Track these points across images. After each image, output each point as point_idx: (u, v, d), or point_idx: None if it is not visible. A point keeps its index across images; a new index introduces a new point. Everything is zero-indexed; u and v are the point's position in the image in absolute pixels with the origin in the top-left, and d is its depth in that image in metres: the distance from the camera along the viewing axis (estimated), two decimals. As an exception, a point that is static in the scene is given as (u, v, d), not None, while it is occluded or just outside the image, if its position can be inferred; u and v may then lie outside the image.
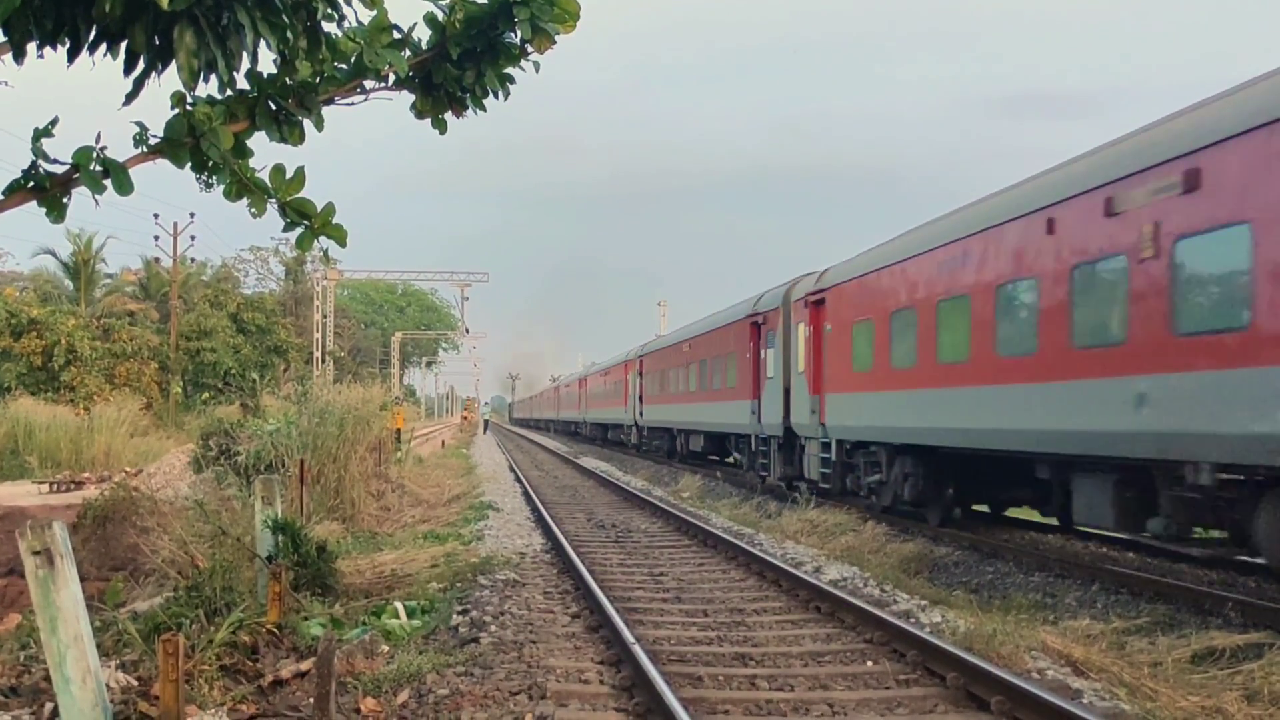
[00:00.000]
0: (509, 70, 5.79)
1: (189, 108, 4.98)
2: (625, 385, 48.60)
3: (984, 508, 19.00)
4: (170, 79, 4.60)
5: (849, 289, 20.26)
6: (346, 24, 5.29)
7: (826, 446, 21.12)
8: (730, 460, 32.74)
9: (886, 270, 18.54)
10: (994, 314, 14.53)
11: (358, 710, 7.47)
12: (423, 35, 5.64)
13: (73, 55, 4.50)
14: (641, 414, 44.40)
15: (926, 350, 16.67)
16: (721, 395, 29.78)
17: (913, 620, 10.48)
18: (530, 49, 5.70)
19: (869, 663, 9.07)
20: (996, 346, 14.47)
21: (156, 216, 49.95)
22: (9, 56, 4.50)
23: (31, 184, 4.75)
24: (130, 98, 4.65)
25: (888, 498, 18.70)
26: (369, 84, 5.58)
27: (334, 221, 5.38)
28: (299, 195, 5.31)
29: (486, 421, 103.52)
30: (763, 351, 25.84)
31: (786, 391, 23.63)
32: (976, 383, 14.97)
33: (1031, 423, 13.55)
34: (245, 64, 4.78)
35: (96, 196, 4.74)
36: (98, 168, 4.69)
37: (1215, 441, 10.32)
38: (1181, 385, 10.78)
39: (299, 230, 5.37)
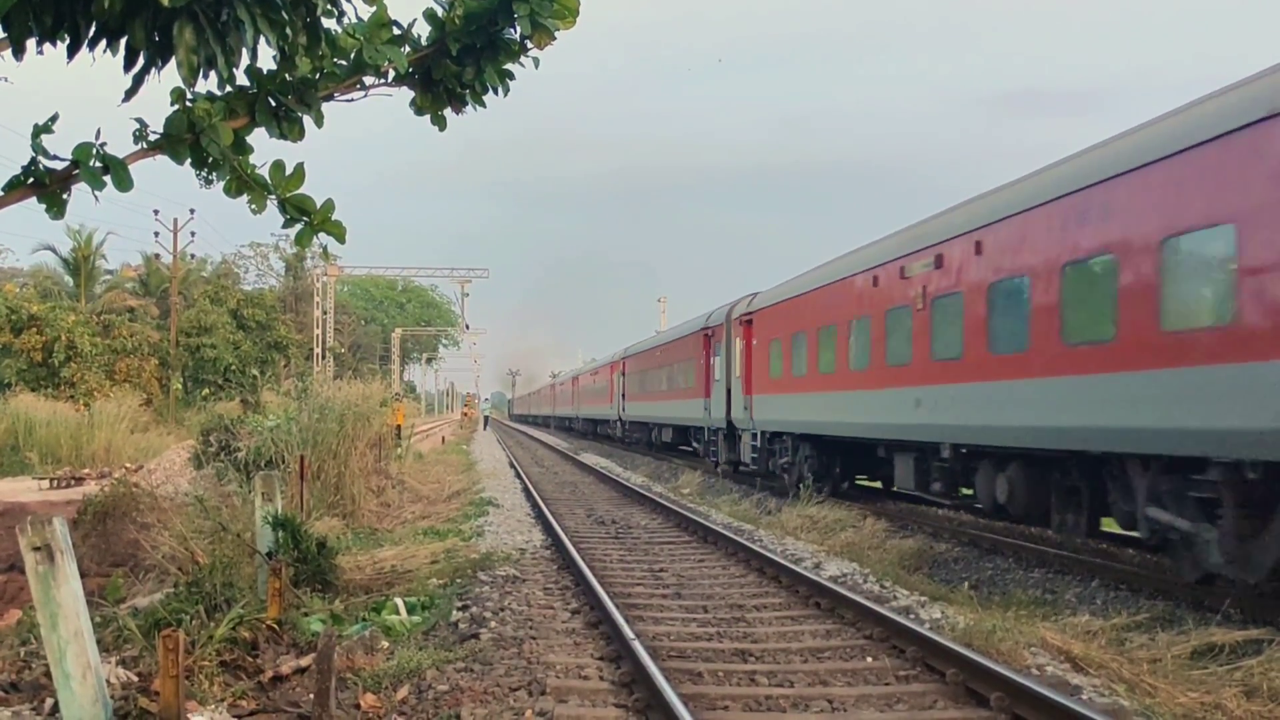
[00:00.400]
0: (509, 66, 5.78)
1: (189, 104, 4.97)
2: (611, 384, 53.45)
3: (875, 483, 23.92)
4: (170, 75, 4.60)
5: (767, 313, 26.07)
6: (346, 20, 5.29)
7: (756, 436, 26.65)
8: (691, 449, 38.48)
9: (789, 301, 24.29)
10: (848, 339, 20.15)
11: (357, 706, 7.48)
12: (422, 31, 5.64)
13: (72, 51, 4.50)
14: (624, 410, 49.22)
15: (812, 363, 22.19)
16: (683, 394, 35.08)
17: (912, 616, 10.49)
18: (530, 45, 5.70)
19: (869, 659, 9.07)
20: (850, 363, 20.03)
21: (156, 213, 49.83)
22: (9, 53, 4.50)
23: (31, 180, 4.75)
24: (130, 94, 4.65)
25: (795, 475, 23.59)
26: (369, 80, 5.58)
27: (333, 218, 5.38)
28: (299, 191, 5.31)
29: (486, 418, 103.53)
30: (712, 359, 31.35)
31: (728, 392, 29.10)
32: (840, 389, 20.62)
33: (871, 418, 19.06)
34: (245, 60, 4.78)
35: (96, 193, 4.74)
36: (97, 164, 4.69)
37: (955, 430, 15.72)
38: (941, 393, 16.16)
39: (299, 226, 5.37)
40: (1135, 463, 11.86)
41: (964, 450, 15.77)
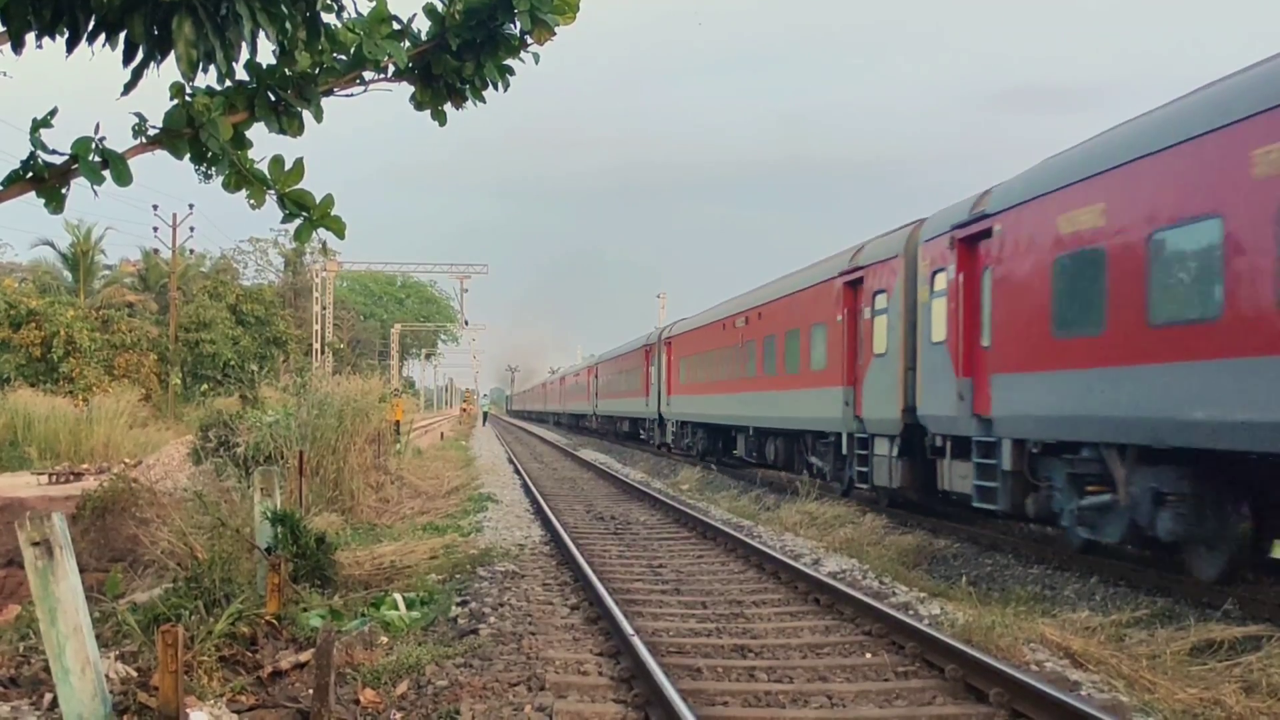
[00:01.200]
0: (509, 62, 5.78)
1: (188, 99, 4.97)
2: (588, 385, 58.59)
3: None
4: (169, 70, 4.59)
5: (679, 338, 38.41)
6: (346, 15, 5.28)
7: (674, 424, 39.27)
8: (641, 436, 47.60)
9: (690, 332, 36.20)
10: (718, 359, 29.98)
11: (357, 701, 7.48)
12: (422, 26, 5.63)
13: (71, 45, 4.49)
14: (598, 406, 52.01)
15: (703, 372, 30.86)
16: (634, 394, 40.41)
17: (911, 612, 10.50)
18: (530, 40, 5.69)
19: (868, 655, 9.08)
20: (720, 374, 30.63)
21: (155, 208, 50.05)
22: (7, 47, 4.49)
23: (30, 175, 4.74)
24: (129, 88, 4.64)
25: (696, 450, 33.86)
26: (368, 75, 5.57)
27: (333, 213, 5.37)
28: (298, 187, 5.30)
29: (486, 414, 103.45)
30: (650, 368, 41.96)
31: (659, 392, 39.83)
32: (716, 392, 30.22)
33: (745, 412, 27.95)
34: (244, 55, 4.77)
35: (95, 187, 4.73)
36: (96, 158, 4.68)
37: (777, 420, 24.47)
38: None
39: (298, 222, 5.36)
40: None
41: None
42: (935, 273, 16.81)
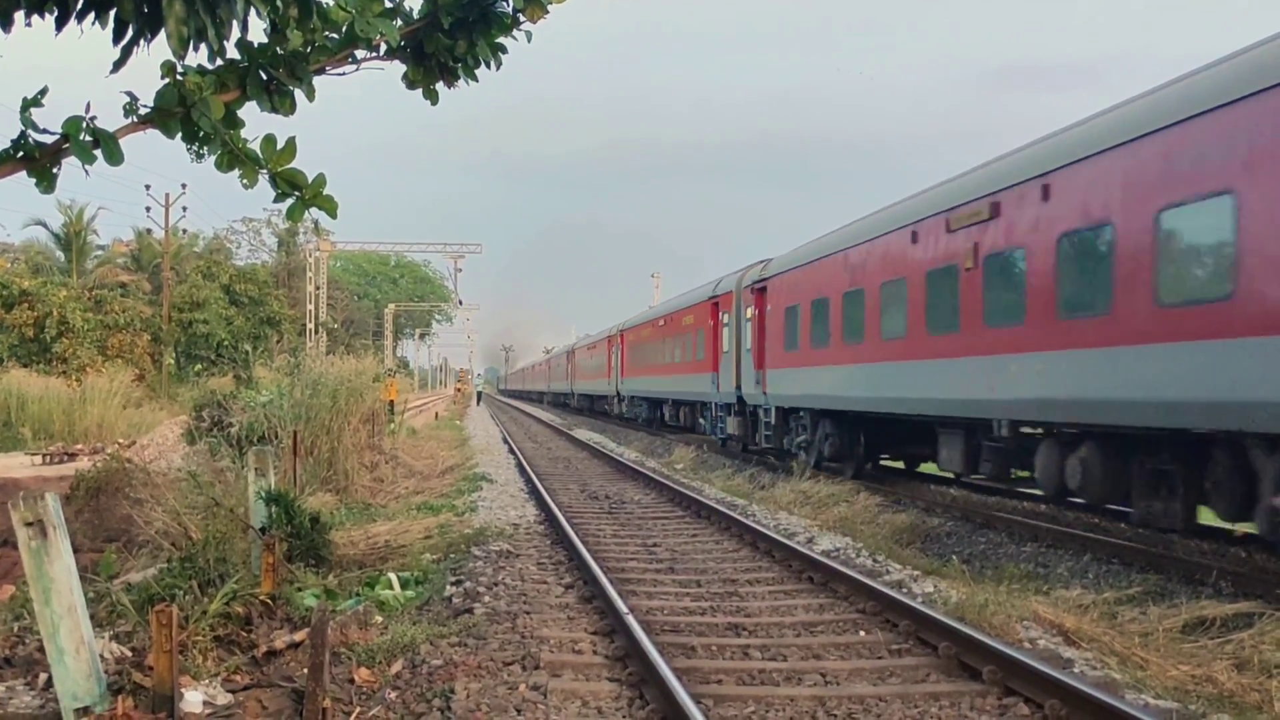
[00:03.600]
0: (501, 40, 5.75)
1: (179, 77, 4.94)
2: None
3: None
4: (160, 48, 4.56)
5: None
6: (337, -7, 5.25)
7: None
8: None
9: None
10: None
11: (351, 680, 7.49)
12: (414, 4, 5.60)
13: (61, 23, 4.46)
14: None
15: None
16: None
17: (905, 590, 10.53)
18: (523, 18, 5.67)
19: (861, 633, 9.11)
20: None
21: (148, 188, 49.52)
22: (-3, 25, 4.45)
23: (21, 154, 4.72)
24: (118, 65, 4.61)
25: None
26: (360, 54, 5.54)
27: (325, 192, 5.35)
28: (290, 166, 5.28)
29: (480, 393, 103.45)
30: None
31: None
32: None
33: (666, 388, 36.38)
34: (235, 33, 4.75)
35: (87, 167, 4.71)
36: (88, 138, 4.65)
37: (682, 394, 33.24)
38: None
39: (290, 201, 5.35)
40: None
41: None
42: (746, 306, 27.15)
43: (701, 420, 33.63)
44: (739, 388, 27.38)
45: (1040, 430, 14.20)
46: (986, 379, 14.44)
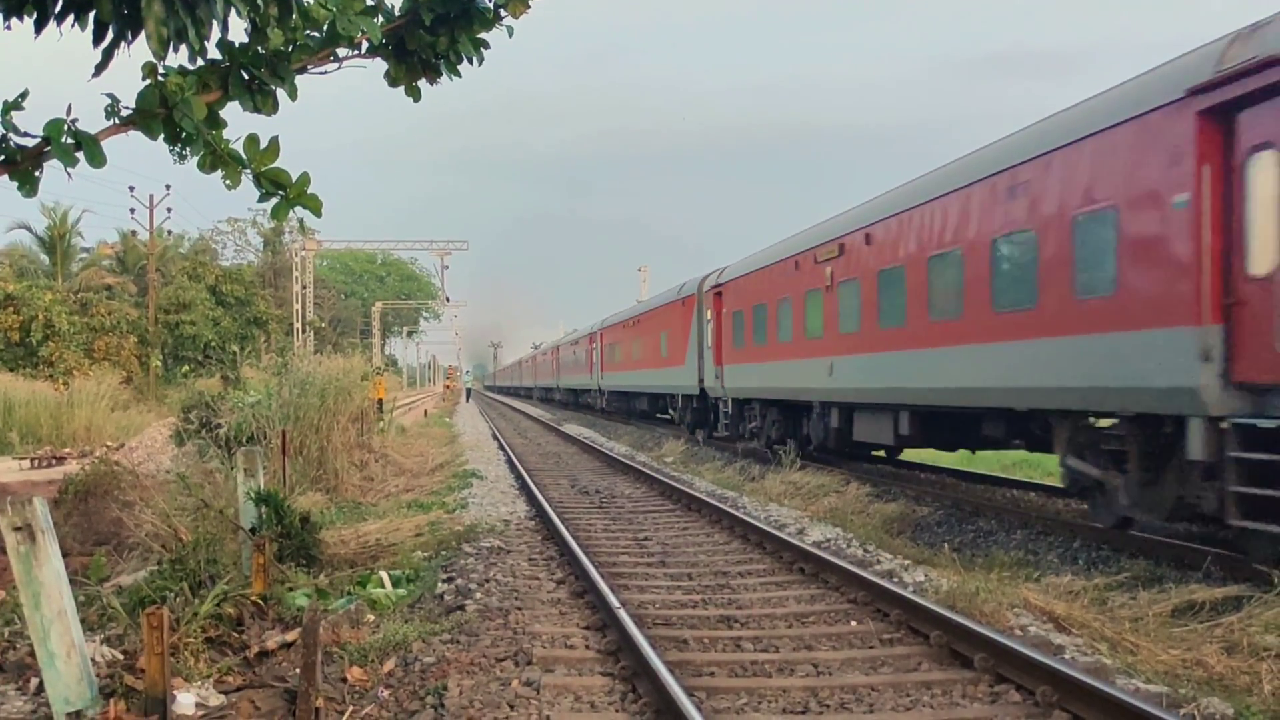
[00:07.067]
0: (483, 35, 5.73)
1: (161, 78, 4.92)
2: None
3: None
4: (140, 49, 4.54)
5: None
6: (317, -9, 5.23)
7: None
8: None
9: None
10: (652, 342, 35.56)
11: (344, 679, 7.49)
12: (395, 1, 5.58)
13: (40, 26, 4.43)
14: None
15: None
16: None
17: (896, 580, 10.55)
18: (504, 13, 5.65)
19: (853, 623, 9.14)
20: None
21: (132, 189, 49.33)
22: (-24, 28, 4.43)
23: (2, 158, 4.70)
24: (100, 69, 4.59)
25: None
26: (342, 52, 5.52)
27: (309, 191, 5.33)
28: (274, 165, 5.26)
29: (469, 390, 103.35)
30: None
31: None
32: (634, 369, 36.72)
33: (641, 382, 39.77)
34: (216, 33, 4.72)
35: (69, 170, 4.68)
36: (69, 140, 4.62)
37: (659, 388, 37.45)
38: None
39: (274, 200, 5.33)
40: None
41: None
42: (706, 308, 30.18)
43: (671, 411, 37.66)
44: (702, 381, 30.97)
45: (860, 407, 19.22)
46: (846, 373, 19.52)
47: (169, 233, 57.48)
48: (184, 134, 4.98)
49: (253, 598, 8.89)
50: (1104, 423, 12.52)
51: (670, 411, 37.75)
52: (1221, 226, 10.00)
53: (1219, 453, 9.97)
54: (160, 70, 4.89)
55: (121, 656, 7.48)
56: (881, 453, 23.22)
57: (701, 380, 30.91)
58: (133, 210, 51.07)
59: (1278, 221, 9.49)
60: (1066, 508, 15.34)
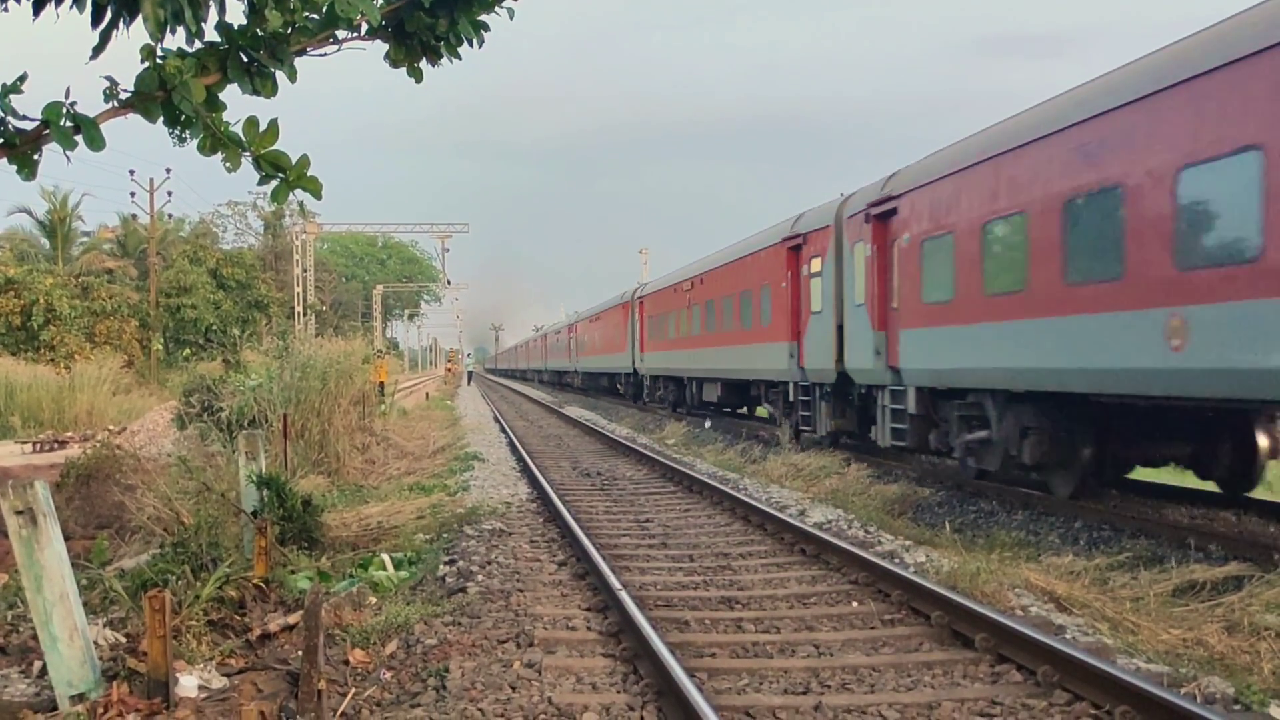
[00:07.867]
0: (483, 18, 5.72)
1: (159, 61, 4.90)
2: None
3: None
4: (138, 32, 4.53)
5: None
6: (317, -28, 5.21)
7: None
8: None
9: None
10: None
11: (346, 662, 7.51)
12: (394, -17, 5.56)
13: (38, 8, 4.42)
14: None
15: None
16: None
17: (897, 561, 10.56)
18: (503, -5, 5.64)
19: (854, 604, 9.15)
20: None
21: (132, 173, 49.28)
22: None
23: (1, 141, 4.69)
24: (97, 51, 4.58)
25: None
26: (341, 34, 5.50)
27: (309, 173, 5.32)
28: (273, 148, 5.25)
29: (470, 372, 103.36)
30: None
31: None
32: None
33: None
34: (213, 15, 4.71)
35: (68, 153, 4.68)
36: (68, 123, 4.62)
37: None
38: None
39: (274, 183, 5.32)
40: None
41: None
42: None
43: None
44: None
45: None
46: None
47: (169, 216, 57.46)
48: (183, 117, 4.97)
49: (254, 580, 8.91)
50: None
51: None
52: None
53: None
54: (159, 53, 4.88)
55: (124, 639, 7.51)
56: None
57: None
58: (133, 194, 51.05)
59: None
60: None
